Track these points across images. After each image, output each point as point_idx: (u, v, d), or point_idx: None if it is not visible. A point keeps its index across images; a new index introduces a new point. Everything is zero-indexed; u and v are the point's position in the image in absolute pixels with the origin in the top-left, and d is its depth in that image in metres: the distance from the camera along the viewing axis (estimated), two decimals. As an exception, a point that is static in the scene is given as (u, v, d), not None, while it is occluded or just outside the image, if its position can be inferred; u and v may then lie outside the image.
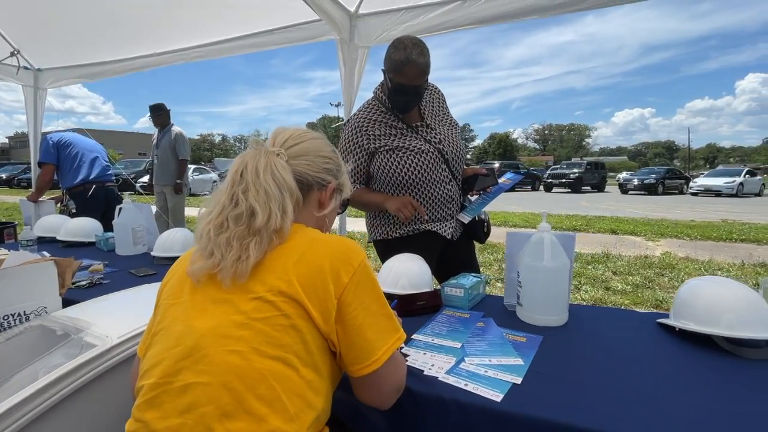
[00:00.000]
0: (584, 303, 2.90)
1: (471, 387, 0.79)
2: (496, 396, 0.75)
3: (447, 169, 1.53)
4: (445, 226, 1.58)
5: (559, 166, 23.65)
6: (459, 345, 0.99)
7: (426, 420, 0.78)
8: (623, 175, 22.12)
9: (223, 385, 0.54)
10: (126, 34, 2.57)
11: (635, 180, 19.78)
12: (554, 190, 21.04)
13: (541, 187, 22.25)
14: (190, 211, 5.47)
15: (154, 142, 4.78)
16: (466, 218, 1.59)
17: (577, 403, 0.72)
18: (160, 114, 4.63)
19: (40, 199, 3.05)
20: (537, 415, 0.69)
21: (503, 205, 12.06)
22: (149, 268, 1.78)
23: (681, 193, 19.65)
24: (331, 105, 69.02)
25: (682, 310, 1.03)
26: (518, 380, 0.81)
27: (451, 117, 1.66)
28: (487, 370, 0.85)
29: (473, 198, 1.70)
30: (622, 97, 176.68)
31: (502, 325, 1.10)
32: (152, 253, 1.93)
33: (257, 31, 2.26)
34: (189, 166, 16.74)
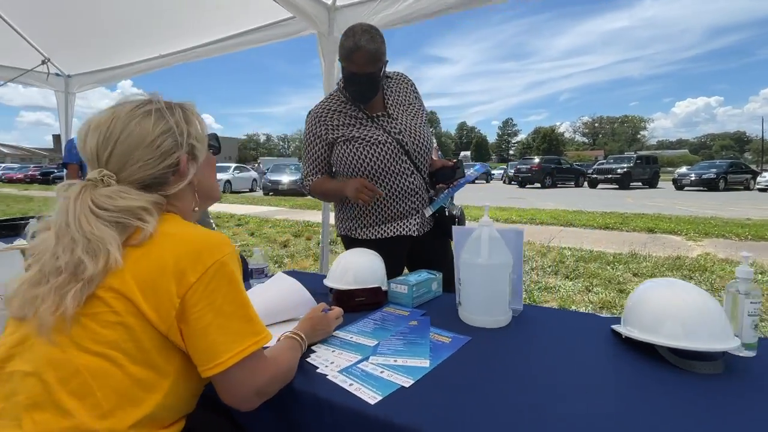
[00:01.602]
0: (591, 305, 2.69)
1: (354, 387, 0.75)
2: (374, 398, 0.71)
3: (408, 161, 1.48)
4: (410, 222, 1.53)
5: (605, 160, 22.24)
6: (373, 343, 0.95)
7: (304, 418, 0.75)
8: (680, 170, 20.42)
9: (38, 376, 0.55)
10: (133, 39, 2.72)
11: (692, 175, 18.15)
12: (600, 186, 19.84)
13: (586, 183, 21.06)
14: (220, 207, 5.81)
15: None
16: (428, 211, 1.53)
17: (460, 414, 0.66)
18: None
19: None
20: (403, 422, 0.64)
21: (536, 201, 11.56)
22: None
23: (747, 189, 17.77)
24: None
25: (630, 316, 0.92)
26: (408, 383, 0.76)
27: (421, 107, 1.59)
28: (384, 371, 0.81)
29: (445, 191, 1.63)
30: (685, 85, 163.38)
31: (441, 326, 1.04)
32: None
33: (241, 31, 2.30)
34: (230, 165, 17.55)
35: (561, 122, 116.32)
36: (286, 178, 15.52)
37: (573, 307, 2.59)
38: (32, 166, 31.99)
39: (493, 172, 34.95)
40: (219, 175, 17.36)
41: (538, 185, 20.36)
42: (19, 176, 26.46)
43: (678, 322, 0.82)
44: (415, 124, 1.51)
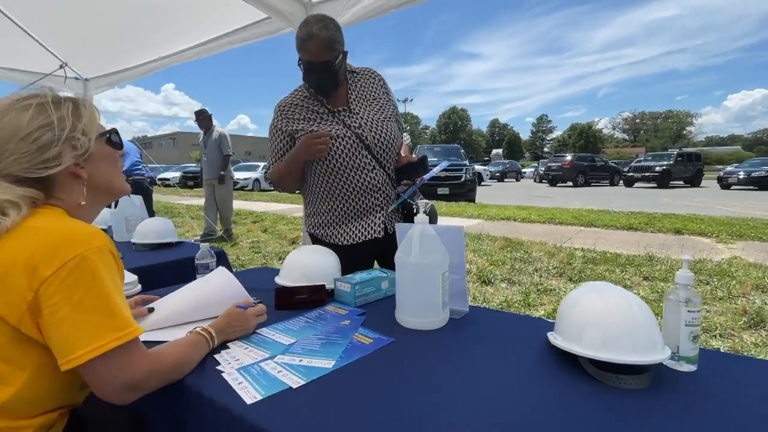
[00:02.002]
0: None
1: (241, 386, 0.73)
2: (253, 398, 0.69)
3: (369, 156, 1.45)
4: (374, 221, 1.50)
5: (643, 158, 21.05)
6: (290, 341, 0.93)
7: (190, 415, 0.75)
8: (727, 168, 19.03)
9: None
10: (137, 42, 2.84)
11: (740, 173, 16.85)
12: (637, 185, 18.83)
13: (621, 182, 20.05)
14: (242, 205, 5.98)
15: (201, 142, 5.25)
16: (389, 207, 1.50)
17: (333, 421, 0.62)
18: (203, 118, 5.19)
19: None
20: (268, 425, 0.62)
21: (563, 200, 11.13)
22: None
23: (805, 188, 16.32)
24: (399, 101, 69.35)
25: (560, 322, 0.85)
26: (299, 384, 0.73)
27: (388, 103, 1.55)
28: (282, 370, 0.79)
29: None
30: (739, 76, 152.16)
31: (374, 326, 1.00)
32: (132, 240, 2.10)
33: (226, 32, 2.34)
34: (259, 164, 18.20)
35: (599, 118, 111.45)
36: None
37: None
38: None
39: (524, 170, 34.00)
40: (248, 174, 18.38)
41: (570, 184, 19.60)
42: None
43: (598, 331, 0.75)
44: (378, 118, 1.48)
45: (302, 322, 1.06)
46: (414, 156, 1.55)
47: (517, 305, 2.62)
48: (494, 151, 58.21)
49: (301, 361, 0.83)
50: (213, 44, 2.59)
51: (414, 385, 0.72)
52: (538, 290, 2.88)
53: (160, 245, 2.11)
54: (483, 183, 21.82)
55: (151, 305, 1.04)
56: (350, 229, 1.49)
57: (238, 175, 17.85)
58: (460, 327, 1.01)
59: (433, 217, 1.58)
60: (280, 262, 3.99)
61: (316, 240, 1.58)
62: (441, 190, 10.90)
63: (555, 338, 0.83)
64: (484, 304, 2.69)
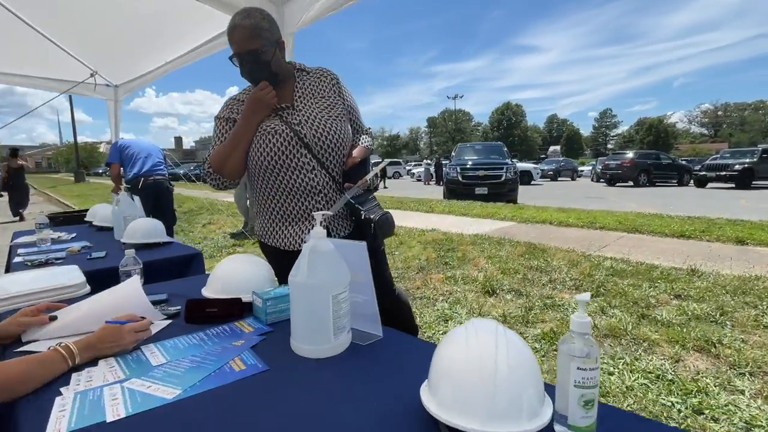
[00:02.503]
0: (594, 332, 2.23)
1: (59, 414, 0.69)
2: (56, 430, 0.64)
3: (309, 155, 1.36)
4: (314, 225, 1.41)
5: (719, 155, 18.74)
6: (161, 362, 0.87)
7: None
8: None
9: None
10: (148, 49, 2.99)
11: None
12: (711, 185, 16.83)
13: (692, 182, 18.04)
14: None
15: None
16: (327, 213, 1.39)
17: None
18: None
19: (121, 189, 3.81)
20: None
21: (616, 201, 10.22)
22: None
23: None
24: (448, 98, 67.72)
25: (432, 364, 0.71)
26: (117, 416, 0.67)
27: (338, 102, 1.45)
28: (118, 397, 0.73)
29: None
30: None
31: (266, 350, 0.92)
32: (121, 240, 2.19)
33: (204, 41, 2.38)
34: None
35: (672, 112, 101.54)
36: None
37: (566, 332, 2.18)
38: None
39: (581, 168, 31.86)
40: None
41: (630, 183, 18.01)
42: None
43: (449, 388, 0.61)
44: (322, 116, 1.38)
45: (197, 338, 1.00)
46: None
47: (513, 321, 2.40)
48: (551, 148, 55.40)
49: (148, 387, 0.77)
50: (204, 48, 2.67)
51: (244, 428, 0.63)
52: (544, 304, 2.62)
53: (150, 245, 2.17)
54: (533, 182, 20.75)
55: (55, 313, 1.04)
56: (290, 233, 1.42)
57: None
58: (354, 357, 0.90)
59: (384, 226, 1.46)
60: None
61: (262, 244, 1.53)
62: (479, 190, 10.49)
63: (423, 389, 0.69)
64: (478, 317, 2.50)
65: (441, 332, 2.30)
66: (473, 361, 0.61)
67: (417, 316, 2.53)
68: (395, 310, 1.63)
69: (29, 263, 1.83)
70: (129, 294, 1.08)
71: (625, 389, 1.65)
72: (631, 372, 1.80)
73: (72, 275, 1.43)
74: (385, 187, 18.86)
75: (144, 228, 2.19)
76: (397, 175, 31.86)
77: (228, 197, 11.65)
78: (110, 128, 3.85)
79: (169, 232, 3.71)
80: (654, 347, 2.06)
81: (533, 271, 3.39)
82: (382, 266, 1.56)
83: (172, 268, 1.96)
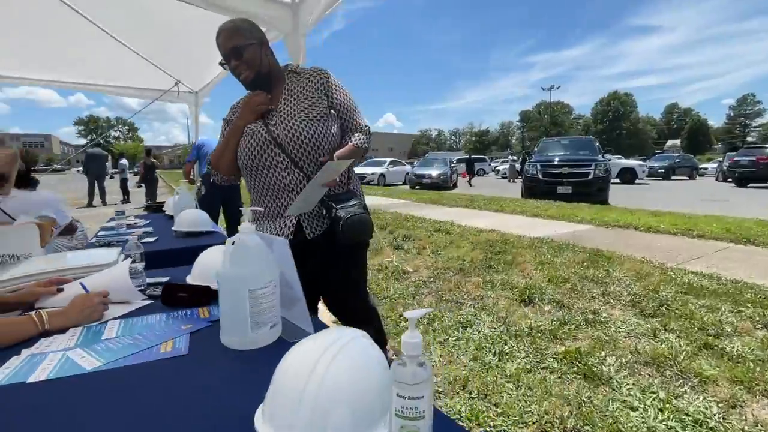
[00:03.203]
0: (632, 356, 1.87)
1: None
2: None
3: (282, 153, 1.41)
4: (285, 222, 1.46)
5: None
6: (111, 336, 0.99)
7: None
8: None
9: None
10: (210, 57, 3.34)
11: None
12: None
13: None
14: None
15: None
16: (288, 210, 1.41)
17: None
18: None
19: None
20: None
21: (738, 206, 8.47)
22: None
23: None
24: (543, 89, 62.79)
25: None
26: (38, 378, 0.79)
27: (321, 100, 1.46)
28: (53, 362, 0.85)
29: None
30: None
31: (206, 339, 0.99)
32: (173, 228, 2.51)
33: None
34: (385, 160, 19.35)
35: None
36: (432, 172, 15.94)
37: (602, 353, 1.87)
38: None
39: (704, 165, 27.16)
40: (373, 169, 19.66)
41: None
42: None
43: (269, 397, 0.59)
44: (300, 116, 1.42)
45: (156, 319, 1.11)
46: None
47: (538, 336, 2.16)
48: (669, 143, 48.20)
49: (81, 357, 0.88)
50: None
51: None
52: (584, 320, 2.31)
53: (195, 233, 2.45)
54: (637, 181, 18.33)
55: (63, 286, 1.24)
56: (267, 229, 1.48)
57: (365, 171, 19.17)
58: (277, 350, 0.91)
59: (352, 230, 1.42)
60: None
61: None
62: (562, 189, 9.60)
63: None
64: (502, 327, 2.31)
65: (454, 339, 2.19)
66: (289, 375, 0.58)
67: (436, 319, 2.47)
68: (360, 315, 1.61)
69: (98, 243, 2.21)
70: (117, 275, 1.24)
71: (645, 430, 1.38)
72: (660, 411, 1.50)
73: (106, 256, 1.68)
74: (470, 185, 18.13)
75: (191, 218, 2.47)
76: (481, 172, 30.76)
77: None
78: (191, 131, 4.42)
79: (235, 224, 4.13)
80: (706, 385, 1.70)
81: (586, 281, 3.01)
82: (351, 267, 1.55)
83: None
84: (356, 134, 1.54)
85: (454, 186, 16.95)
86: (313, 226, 1.47)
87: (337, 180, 1.38)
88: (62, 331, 1.01)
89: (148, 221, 3.04)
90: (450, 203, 9.15)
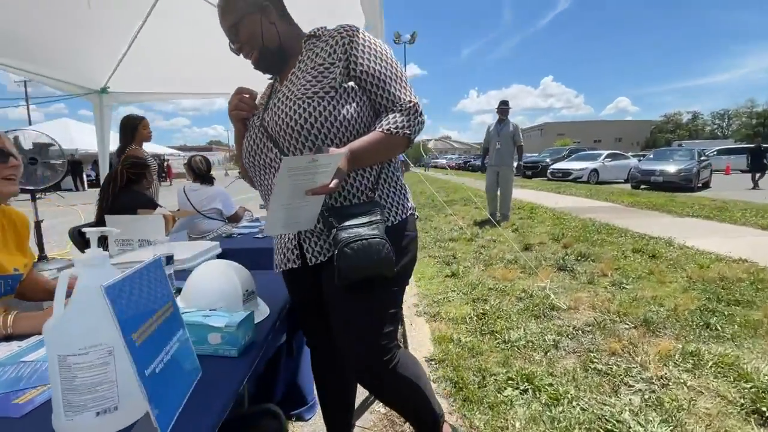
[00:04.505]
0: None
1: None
2: None
3: (275, 149, 1.04)
4: (285, 244, 1.13)
5: None
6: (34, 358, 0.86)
7: None
8: None
9: None
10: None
11: None
12: None
13: None
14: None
15: (493, 131, 5.82)
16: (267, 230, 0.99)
17: None
18: (505, 109, 5.85)
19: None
20: None
21: None
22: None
23: None
24: None
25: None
26: None
27: (338, 69, 1.02)
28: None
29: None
30: None
31: None
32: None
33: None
34: (602, 152, 16.92)
35: None
36: (667, 167, 12.06)
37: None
38: (459, 156, 41.48)
39: None
40: (582, 164, 16.32)
41: None
42: (452, 164, 35.32)
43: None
44: (295, 96, 1.01)
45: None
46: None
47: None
48: None
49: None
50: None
51: None
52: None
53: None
54: None
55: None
56: (276, 241, 1.20)
57: (571, 166, 16.45)
58: None
59: (347, 261, 0.92)
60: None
61: None
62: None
63: None
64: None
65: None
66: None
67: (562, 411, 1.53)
68: (383, 387, 1.07)
69: (223, 235, 2.49)
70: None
71: None
72: None
73: (204, 247, 1.80)
74: (755, 187, 11.68)
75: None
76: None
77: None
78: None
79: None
80: None
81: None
82: (358, 315, 1.02)
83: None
84: (392, 115, 1.01)
85: (703, 187, 12.39)
86: (315, 248, 1.05)
87: (334, 186, 0.88)
88: (23, 336, 0.95)
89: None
90: (682, 211, 6.61)
